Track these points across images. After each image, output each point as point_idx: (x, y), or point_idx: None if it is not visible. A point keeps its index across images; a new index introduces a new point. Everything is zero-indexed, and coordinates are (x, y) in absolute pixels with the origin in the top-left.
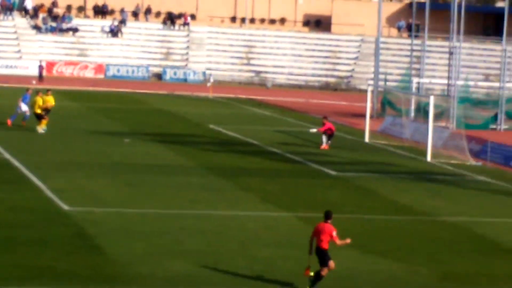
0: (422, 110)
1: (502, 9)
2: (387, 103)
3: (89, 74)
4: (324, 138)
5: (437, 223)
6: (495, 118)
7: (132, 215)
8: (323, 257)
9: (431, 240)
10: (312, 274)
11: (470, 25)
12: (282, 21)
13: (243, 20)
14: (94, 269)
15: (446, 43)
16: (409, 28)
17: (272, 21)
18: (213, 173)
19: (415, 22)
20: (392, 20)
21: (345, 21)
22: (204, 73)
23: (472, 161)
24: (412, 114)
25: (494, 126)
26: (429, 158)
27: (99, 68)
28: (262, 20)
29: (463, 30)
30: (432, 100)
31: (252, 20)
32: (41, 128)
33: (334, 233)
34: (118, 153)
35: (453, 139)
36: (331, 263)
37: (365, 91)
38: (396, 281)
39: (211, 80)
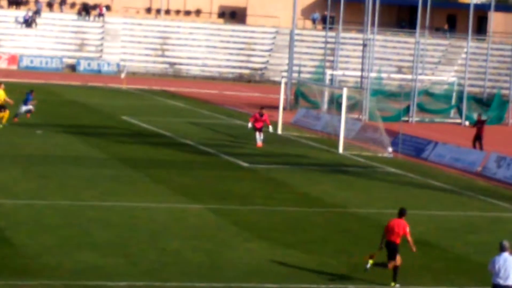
0: (335, 102)
1: (416, 1)
2: (300, 95)
3: (2, 65)
4: (258, 135)
5: (348, 215)
6: (407, 110)
7: (42, 207)
8: (393, 251)
9: (341, 232)
10: (371, 262)
11: (384, 17)
12: (198, 12)
13: (158, 11)
14: (2, 261)
15: (360, 35)
16: (323, 20)
17: (188, 13)
18: (125, 165)
19: (330, 14)
20: (307, 12)
21: (260, 13)
22: (118, 65)
23: (383, 153)
24: (325, 106)
25: (406, 118)
26: (341, 150)
27: (12, 59)
28: (178, 12)
29: (377, 22)
30: (345, 92)
31: (168, 12)
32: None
33: (408, 229)
34: (30, 145)
35: (366, 131)
36: (399, 258)
37: (279, 83)
38: (305, 273)
39: (125, 71)
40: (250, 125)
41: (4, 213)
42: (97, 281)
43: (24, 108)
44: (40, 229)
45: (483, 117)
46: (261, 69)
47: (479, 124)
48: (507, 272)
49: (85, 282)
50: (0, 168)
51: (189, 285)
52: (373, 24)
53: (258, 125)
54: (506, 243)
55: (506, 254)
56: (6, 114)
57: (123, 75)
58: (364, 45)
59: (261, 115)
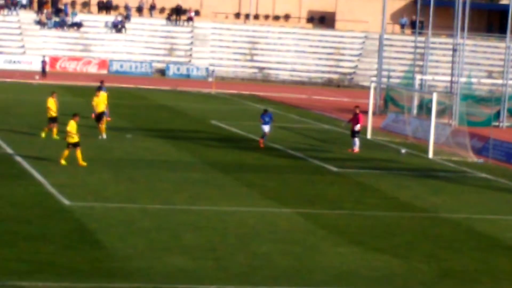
0: (424, 107)
1: (507, 6)
2: (389, 100)
3: (93, 69)
4: (353, 139)
5: (438, 220)
6: (497, 115)
7: (132, 210)
8: None
9: (431, 237)
10: None
11: (474, 22)
12: (286, 17)
13: (247, 16)
14: (93, 263)
15: (449, 40)
16: (412, 25)
17: (276, 18)
18: (214, 169)
19: (419, 19)
20: (396, 17)
21: (349, 17)
22: (207, 69)
23: (474, 158)
24: (415, 111)
25: (496, 123)
26: (430, 155)
27: (103, 63)
28: (266, 17)
29: (467, 27)
30: (435, 97)
31: (256, 16)
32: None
33: None
34: (120, 149)
35: (455, 136)
36: None
37: (368, 87)
38: (395, 278)
39: (213, 75)
40: (344, 124)
41: (95, 216)
42: (187, 284)
43: None
44: (131, 232)
45: None
46: (350, 74)
47: None
48: None
49: (175, 286)
50: (90, 172)
51: None
52: (462, 28)
53: (353, 124)
54: None
55: None
56: (55, 127)
57: (211, 79)
58: (454, 50)
59: (355, 114)
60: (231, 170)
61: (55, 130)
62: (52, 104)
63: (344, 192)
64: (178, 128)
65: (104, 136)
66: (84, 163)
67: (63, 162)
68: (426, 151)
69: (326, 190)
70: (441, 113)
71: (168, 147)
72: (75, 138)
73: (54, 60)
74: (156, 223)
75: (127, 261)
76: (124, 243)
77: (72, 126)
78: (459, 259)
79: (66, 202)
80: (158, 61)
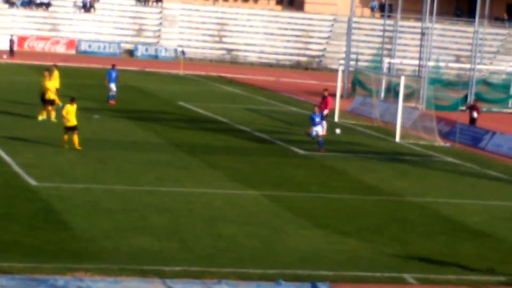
0: (392, 91)
1: None
2: (357, 83)
3: (61, 49)
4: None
5: (404, 204)
6: (464, 99)
7: (99, 191)
8: None
9: (397, 221)
10: None
11: (442, 6)
12: None
13: None
14: (59, 244)
15: (418, 24)
16: (382, 8)
17: None
18: (182, 150)
19: (388, 2)
20: (365, 0)
21: (318, 0)
22: (175, 50)
23: (440, 142)
24: (382, 94)
25: (463, 108)
26: (397, 139)
27: (71, 43)
28: None
29: (435, 11)
30: (402, 80)
31: None
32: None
33: None
34: (87, 129)
35: (423, 120)
36: None
37: (336, 70)
38: (360, 261)
39: (182, 55)
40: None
41: (62, 197)
42: (153, 265)
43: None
44: (97, 213)
45: None
46: (318, 56)
47: None
48: None
49: (141, 267)
50: (57, 152)
51: (244, 271)
52: (431, 12)
53: (321, 108)
54: None
55: None
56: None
57: (182, 58)
58: (422, 34)
59: (324, 97)
60: (198, 151)
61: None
62: (51, 85)
63: (311, 175)
64: (146, 109)
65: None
66: (79, 148)
67: (65, 146)
68: (393, 134)
69: (293, 173)
70: (408, 96)
71: (135, 128)
72: (71, 122)
73: (22, 39)
74: (122, 204)
75: (93, 241)
76: (90, 224)
77: (67, 110)
78: (425, 243)
79: (32, 182)
80: (127, 42)
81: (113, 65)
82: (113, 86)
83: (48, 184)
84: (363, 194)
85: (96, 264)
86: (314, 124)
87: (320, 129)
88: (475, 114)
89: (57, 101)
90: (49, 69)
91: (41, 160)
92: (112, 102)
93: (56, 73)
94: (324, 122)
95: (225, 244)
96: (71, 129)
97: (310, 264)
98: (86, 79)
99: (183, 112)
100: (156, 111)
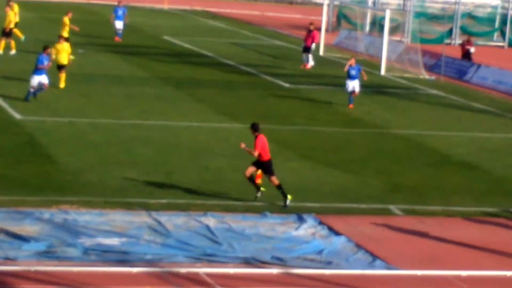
0: (377, 24)
1: None
2: (342, 17)
3: None
4: (305, 56)
5: (389, 136)
6: (449, 33)
7: (83, 124)
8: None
9: (382, 153)
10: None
11: None
12: None
13: None
14: (44, 177)
15: None
16: None
17: None
18: (167, 84)
19: None
20: None
21: None
22: None
23: (425, 75)
24: (367, 28)
25: (448, 41)
26: (383, 72)
27: None
28: None
29: None
30: (387, 14)
31: None
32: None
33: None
34: (72, 64)
35: (408, 53)
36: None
37: (321, 4)
38: (346, 192)
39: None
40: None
41: (47, 130)
42: (138, 198)
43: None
44: (82, 147)
45: None
46: None
47: None
48: None
49: (126, 199)
50: None
51: (230, 204)
52: None
53: (307, 42)
54: None
55: None
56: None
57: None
58: None
59: (310, 30)
60: (184, 85)
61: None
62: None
63: (296, 108)
64: (131, 44)
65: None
66: (62, 86)
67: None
68: (378, 68)
69: (278, 106)
70: (393, 30)
71: (120, 62)
72: (58, 60)
73: None
74: (107, 138)
75: (78, 175)
76: (75, 157)
77: (56, 49)
78: (410, 175)
79: (17, 116)
80: None
81: (119, 2)
82: (117, 23)
83: (33, 118)
84: (349, 127)
85: (81, 197)
86: (350, 77)
87: (357, 85)
88: (472, 49)
89: (19, 34)
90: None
91: (24, 94)
92: (117, 39)
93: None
94: (310, 56)
95: (211, 176)
96: (59, 67)
97: (296, 196)
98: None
99: (168, 46)
100: (141, 45)
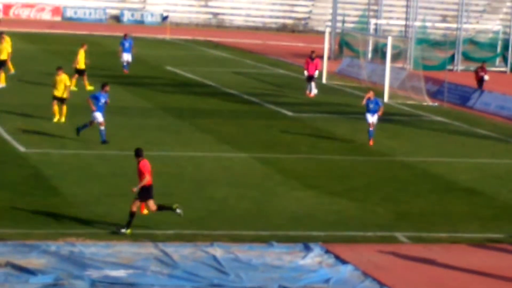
0: (379, 51)
1: None
2: (344, 45)
3: (46, 16)
4: (309, 84)
5: (394, 163)
6: (451, 59)
7: (88, 156)
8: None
9: (387, 180)
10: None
11: None
12: None
13: None
14: (50, 210)
15: None
16: None
17: None
18: (170, 115)
19: None
20: None
21: None
22: (161, 15)
23: (429, 102)
24: (370, 55)
25: (451, 67)
26: (386, 99)
27: (56, 10)
28: None
29: None
30: (389, 41)
31: None
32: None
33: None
34: (75, 95)
35: (410, 80)
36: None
37: (323, 32)
38: (352, 221)
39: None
40: (306, 73)
41: (52, 163)
42: (145, 229)
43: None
44: (88, 179)
45: None
46: (304, 18)
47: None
48: None
49: (133, 231)
50: (46, 119)
51: (236, 233)
52: None
53: (311, 71)
54: None
55: None
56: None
57: (167, 23)
58: None
59: (312, 58)
60: (187, 115)
61: (86, 82)
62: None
63: (300, 137)
64: (134, 74)
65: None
66: (63, 119)
67: (55, 117)
68: (381, 95)
69: (282, 135)
70: (396, 57)
71: (123, 93)
72: (57, 92)
73: (7, 7)
74: (112, 169)
75: (84, 207)
76: (80, 189)
77: (55, 80)
78: (416, 202)
79: (21, 148)
80: (112, 7)
81: (125, 35)
82: (125, 55)
83: (37, 150)
84: (353, 155)
85: (88, 229)
86: (369, 111)
87: (375, 119)
88: (486, 77)
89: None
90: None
91: (28, 127)
92: (125, 71)
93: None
94: (313, 84)
95: (216, 206)
96: (58, 99)
97: (302, 225)
98: (73, 46)
99: (171, 77)
100: (144, 76)
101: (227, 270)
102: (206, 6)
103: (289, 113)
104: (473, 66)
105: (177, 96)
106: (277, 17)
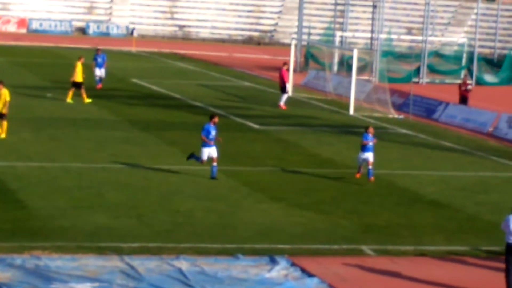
0: (345, 64)
1: None
2: (310, 57)
3: (12, 28)
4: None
5: (360, 176)
6: (417, 71)
7: (54, 169)
8: None
9: (353, 193)
10: None
11: None
12: None
13: None
14: (16, 223)
15: None
16: None
17: None
18: (136, 127)
19: None
20: None
21: None
22: (127, 28)
23: (394, 114)
24: (335, 67)
25: (416, 80)
26: (351, 112)
27: (22, 22)
28: None
29: None
30: (355, 53)
31: None
32: None
33: None
34: (41, 107)
35: (376, 93)
36: None
37: (289, 45)
38: (318, 233)
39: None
40: (288, 86)
41: (17, 175)
42: (110, 242)
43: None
44: (53, 191)
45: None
46: (270, 31)
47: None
48: None
49: (98, 244)
50: (11, 131)
51: (202, 246)
52: None
53: (287, 80)
54: None
55: None
56: None
57: (135, 35)
58: (374, 6)
59: (288, 70)
60: (153, 128)
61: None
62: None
63: (266, 149)
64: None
65: None
66: (4, 136)
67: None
68: (347, 107)
69: (248, 147)
70: (361, 69)
71: (89, 106)
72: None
73: None
74: (78, 182)
75: (50, 220)
76: (46, 202)
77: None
78: (381, 214)
79: None
80: (78, 20)
81: (98, 49)
82: (97, 70)
83: (2, 163)
84: (319, 167)
85: (53, 242)
86: (365, 148)
87: (371, 156)
88: (469, 86)
89: None
90: None
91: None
92: (99, 86)
93: None
94: (284, 95)
95: (182, 219)
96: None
97: (268, 238)
98: (38, 58)
99: (137, 89)
100: (110, 88)
101: (192, 283)
102: (172, 18)
103: (255, 126)
104: (438, 78)
105: (143, 108)
106: (243, 30)
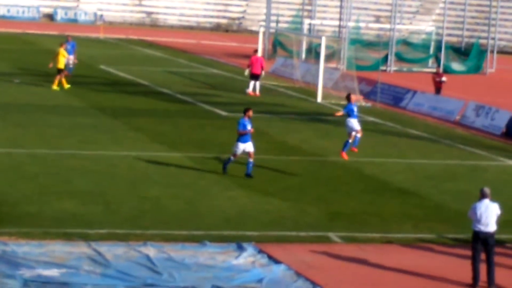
0: (313, 51)
1: None
2: (278, 45)
3: None
4: (252, 84)
5: (327, 164)
6: (385, 59)
7: (20, 155)
8: None
9: (320, 180)
10: None
11: None
12: None
13: None
14: None
15: None
16: None
17: None
18: (104, 114)
19: None
20: None
21: None
22: (95, 14)
23: (362, 102)
24: (303, 55)
25: (384, 68)
26: (319, 99)
27: None
28: None
29: None
30: (323, 41)
31: None
32: None
33: None
34: (7, 94)
35: (344, 80)
36: None
37: (257, 32)
38: (285, 220)
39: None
40: (247, 72)
41: None
42: (77, 228)
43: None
44: (19, 178)
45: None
46: (238, 18)
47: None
48: (488, 219)
49: (65, 230)
50: None
51: (169, 233)
52: None
53: (257, 70)
54: (487, 190)
55: (487, 201)
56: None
57: (99, 23)
58: None
59: (254, 60)
60: (120, 114)
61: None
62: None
63: (234, 136)
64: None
65: None
66: None
67: None
68: (314, 95)
69: (216, 134)
70: (329, 57)
71: (56, 92)
72: None
73: None
74: (45, 168)
75: (16, 206)
76: (12, 188)
77: None
78: (348, 202)
79: None
80: (46, 6)
81: (68, 36)
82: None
83: None
84: (286, 155)
85: (20, 228)
86: (351, 115)
87: (356, 125)
88: (444, 79)
89: None
90: None
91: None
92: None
93: None
94: (251, 83)
95: (149, 206)
96: None
97: (235, 225)
98: (5, 44)
99: (105, 76)
100: (78, 75)
101: (160, 269)
102: (140, 5)
103: (223, 113)
104: (406, 67)
105: (111, 95)
106: (211, 17)
